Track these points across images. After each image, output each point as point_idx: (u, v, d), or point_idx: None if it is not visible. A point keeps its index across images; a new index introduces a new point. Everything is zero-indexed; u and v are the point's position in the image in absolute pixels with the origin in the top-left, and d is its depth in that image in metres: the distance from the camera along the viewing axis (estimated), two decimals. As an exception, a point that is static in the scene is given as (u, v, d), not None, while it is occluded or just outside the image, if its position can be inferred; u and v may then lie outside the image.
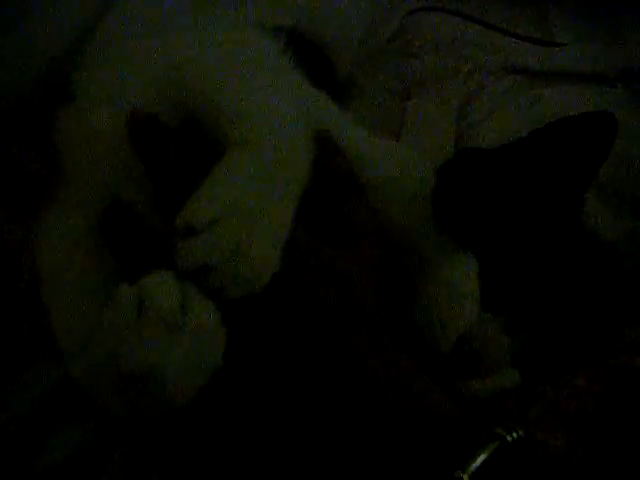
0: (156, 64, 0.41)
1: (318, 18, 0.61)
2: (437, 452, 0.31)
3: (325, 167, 0.40)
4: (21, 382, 0.43)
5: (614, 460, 0.37)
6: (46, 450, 0.41)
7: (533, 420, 0.40)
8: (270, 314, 0.35)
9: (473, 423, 0.33)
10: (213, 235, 0.32)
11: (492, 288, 0.41)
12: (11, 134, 0.55)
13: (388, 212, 0.44)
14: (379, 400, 0.34)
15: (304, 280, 0.36)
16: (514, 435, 0.32)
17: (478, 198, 0.43)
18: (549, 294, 0.42)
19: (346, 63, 0.67)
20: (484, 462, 0.30)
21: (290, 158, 0.36)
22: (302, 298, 0.35)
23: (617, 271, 0.46)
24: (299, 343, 0.35)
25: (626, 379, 0.41)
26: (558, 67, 0.73)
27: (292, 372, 0.35)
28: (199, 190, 0.33)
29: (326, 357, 0.35)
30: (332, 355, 0.35)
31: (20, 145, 0.55)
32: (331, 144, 0.42)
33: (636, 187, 0.57)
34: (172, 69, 0.40)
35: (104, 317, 0.33)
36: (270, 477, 0.37)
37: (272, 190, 0.35)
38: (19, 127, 0.55)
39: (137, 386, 0.32)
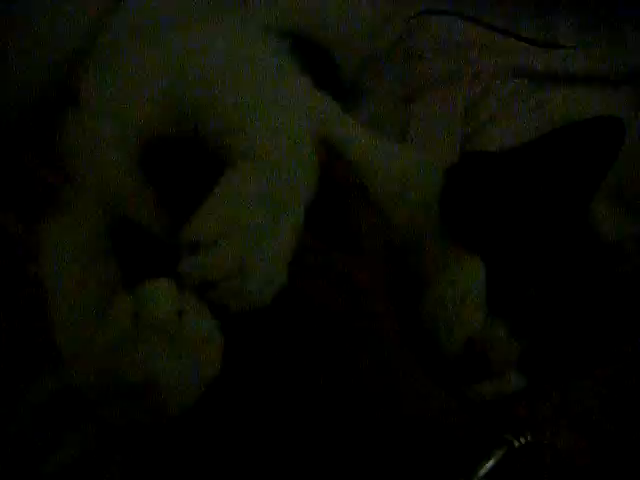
0: (160, 74, 0.41)
1: (323, 21, 0.62)
2: (445, 458, 0.31)
3: (327, 173, 0.40)
4: (25, 391, 0.43)
5: (621, 461, 0.37)
6: (51, 455, 0.41)
7: (541, 422, 0.40)
8: (276, 320, 0.35)
9: (480, 427, 0.33)
10: (217, 252, 0.32)
11: (499, 291, 0.41)
12: (19, 141, 0.55)
13: (394, 215, 0.44)
14: (386, 404, 0.34)
15: (311, 285, 0.36)
16: (522, 440, 0.31)
17: (485, 201, 0.43)
18: (556, 296, 0.42)
19: (351, 66, 0.67)
20: (492, 468, 0.30)
21: (294, 172, 0.36)
22: (309, 303, 0.35)
23: (624, 273, 0.45)
24: (306, 348, 0.35)
25: (633, 381, 0.41)
26: (563, 70, 0.72)
27: (297, 377, 0.35)
28: (204, 206, 0.33)
29: (333, 361, 0.35)
30: (339, 359, 0.35)
31: (28, 152, 0.55)
32: (333, 150, 0.42)
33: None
34: (175, 80, 0.40)
35: (102, 326, 0.33)
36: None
37: (277, 205, 0.34)
38: (27, 134, 0.55)
39: (133, 394, 0.32)
